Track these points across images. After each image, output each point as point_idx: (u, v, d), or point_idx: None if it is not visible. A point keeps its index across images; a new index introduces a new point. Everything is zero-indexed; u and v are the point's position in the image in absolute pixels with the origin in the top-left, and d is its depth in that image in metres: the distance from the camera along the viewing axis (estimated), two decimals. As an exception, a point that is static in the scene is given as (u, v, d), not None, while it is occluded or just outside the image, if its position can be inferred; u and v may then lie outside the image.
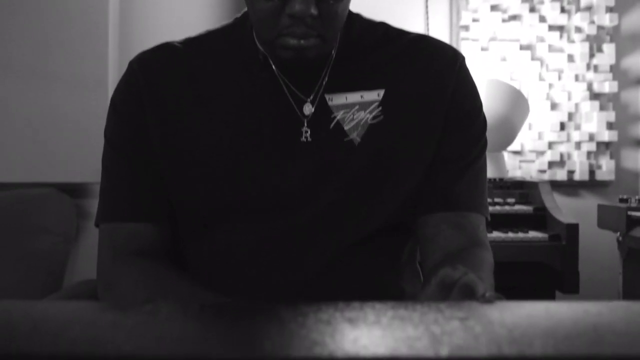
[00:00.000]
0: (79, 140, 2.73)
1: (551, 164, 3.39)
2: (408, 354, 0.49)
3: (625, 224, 2.69)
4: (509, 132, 3.07)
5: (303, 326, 0.56)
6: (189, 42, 1.20)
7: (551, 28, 3.39)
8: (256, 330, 0.58)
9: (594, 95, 3.39)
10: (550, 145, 3.38)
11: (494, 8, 3.39)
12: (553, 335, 0.55)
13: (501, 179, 3.01)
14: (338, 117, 1.14)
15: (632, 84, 3.44)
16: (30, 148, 2.76)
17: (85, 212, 2.80)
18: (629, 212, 2.68)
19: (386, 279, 1.18)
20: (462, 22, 3.37)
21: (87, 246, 2.79)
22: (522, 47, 3.38)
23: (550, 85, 3.38)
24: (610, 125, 3.39)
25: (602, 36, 3.41)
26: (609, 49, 3.39)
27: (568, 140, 3.39)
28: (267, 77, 1.14)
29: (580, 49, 3.38)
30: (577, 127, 3.39)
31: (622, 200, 2.82)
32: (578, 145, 3.39)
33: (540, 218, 2.86)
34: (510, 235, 2.75)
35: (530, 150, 3.38)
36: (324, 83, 1.15)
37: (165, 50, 1.19)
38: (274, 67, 1.14)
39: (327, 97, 1.14)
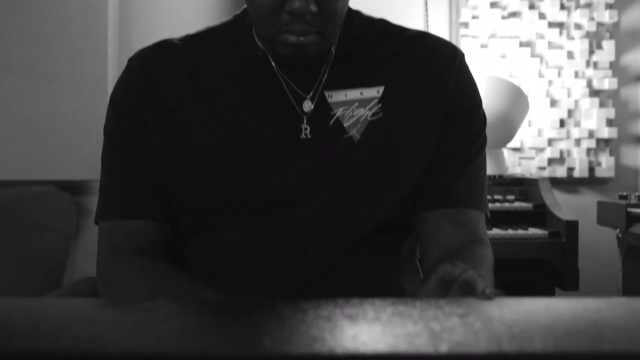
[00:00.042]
0: (79, 138, 2.73)
1: (551, 161, 3.39)
2: (408, 351, 0.49)
3: (624, 221, 2.69)
4: (509, 129, 3.07)
5: (303, 323, 0.56)
6: (189, 39, 1.20)
7: (551, 25, 3.40)
8: (256, 326, 0.58)
9: (594, 92, 3.40)
10: (550, 142, 3.39)
11: (493, 5, 3.39)
12: (553, 332, 0.55)
13: (501, 176, 3.01)
14: (338, 114, 1.14)
15: (631, 80, 3.44)
16: (30, 146, 2.76)
17: (85, 209, 2.80)
18: (629, 209, 2.69)
19: (386, 276, 1.18)
20: (462, 19, 3.37)
21: (87, 244, 2.79)
22: (521, 44, 3.39)
23: (550, 82, 3.38)
24: (609, 122, 3.39)
25: (602, 33, 3.41)
26: (608, 45, 3.39)
27: (568, 137, 3.39)
28: (267, 74, 1.14)
29: (579, 45, 3.38)
30: (577, 124, 3.40)
31: (621, 197, 2.83)
32: (578, 142, 3.39)
33: (540, 215, 2.87)
34: (510, 232, 2.75)
35: (530, 147, 3.38)
36: (323, 80, 1.15)
37: (164, 47, 1.19)
38: (273, 64, 1.14)
39: (326, 94, 1.14)
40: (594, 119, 3.37)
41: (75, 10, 2.77)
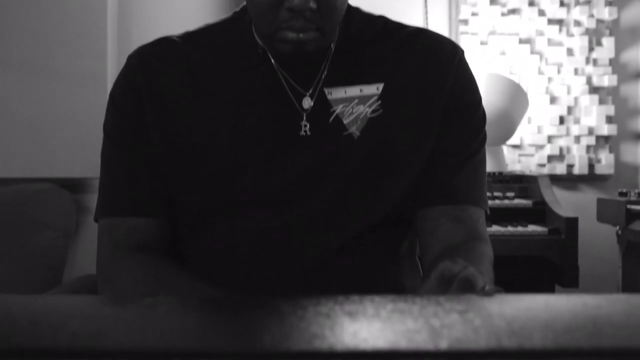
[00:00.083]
0: (79, 135, 2.73)
1: (550, 158, 3.39)
2: (407, 347, 0.49)
3: (624, 218, 2.70)
4: (509, 126, 3.07)
5: (302, 319, 0.56)
6: (188, 36, 1.20)
7: (550, 22, 3.39)
8: (256, 323, 0.58)
9: (593, 89, 3.39)
10: (550, 139, 3.39)
11: (493, 2, 3.39)
12: (552, 328, 0.55)
13: (500, 173, 3.01)
14: (337, 111, 1.14)
15: (631, 77, 3.44)
16: (29, 143, 2.76)
17: (84, 207, 2.80)
18: (629, 206, 2.69)
19: (386, 273, 1.18)
20: (462, 16, 3.37)
21: (86, 241, 2.79)
22: (521, 41, 3.38)
23: (550, 79, 3.38)
24: (609, 119, 3.39)
25: (602, 30, 3.41)
26: (608, 42, 3.39)
27: (567, 134, 3.39)
28: (266, 71, 1.14)
29: (579, 42, 3.38)
30: (577, 121, 3.40)
31: (621, 194, 2.83)
32: (577, 139, 3.39)
33: (540, 212, 2.87)
34: (510, 229, 2.75)
35: (529, 144, 3.38)
36: (323, 77, 1.15)
37: (164, 44, 1.19)
38: (272, 61, 1.14)
39: (326, 91, 1.14)
40: (593, 116, 3.37)
41: (74, 8, 2.77)
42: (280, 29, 1.04)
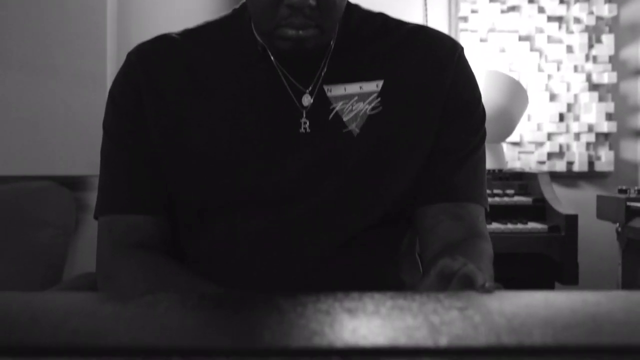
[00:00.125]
0: (78, 133, 2.73)
1: (550, 155, 3.39)
2: (407, 344, 0.49)
3: (624, 215, 2.69)
4: (508, 123, 3.07)
5: (302, 316, 0.56)
6: (187, 34, 1.20)
7: (550, 19, 3.39)
8: (255, 320, 0.58)
9: (593, 86, 3.39)
10: (550, 136, 3.38)
11: (492, -1, 3.39)
12: (552, 325, 0.56)
13: (500, 170, 3.01)
14: (337, 108, 1.14)
15: (631, 74, 3.44)
16: (29, 142, 2.76)
17: (84, 205, 2.81)
18: (628, 203, 2.69)
19: (385, 270, 1.18)
20: (461, 13, 3.37)
21: (86, 239, 2.79)
22: (521, 38, 3.38)
23: (549, 76, 3.38)
24: (609, 116, 3.39)
25: (601, 27, 3.41)
26: (607, 39, 3.39)
27: (567, 131, 3.39)
28: (266, 68, 1.14)
29: (579, 39, 3.37)
30: (576, 118, 3.39)
31: (621, 191, 2.83)
32: (577, 136, 3.39)
33: (540, 209, 2.87)
34: (510, 226, 2.75)
35: (529, 142, 3.38)
36: (322, 74, 1.14)
37: (163, 41, 1.19)
38: (272, 58, 1.14)
39: (325, 88, 1.14)
40: (593, 113, 3.37)
41: (74, 6, 2.77)
42: (280, 26, 1.04)
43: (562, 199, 2.98)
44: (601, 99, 3.39)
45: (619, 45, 3.42)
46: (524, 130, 3.35)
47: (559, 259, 2.71)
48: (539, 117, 3.36)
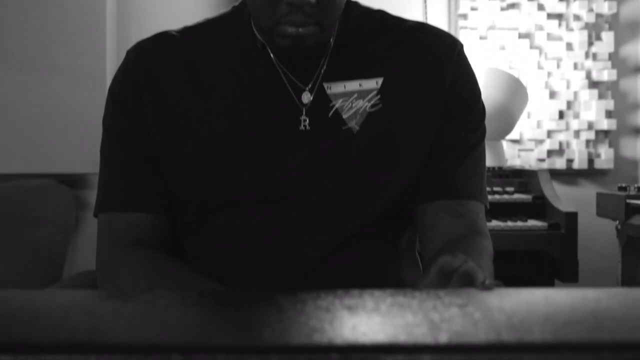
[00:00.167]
0: (78, 131, 2.73)
1: (550, 153, 3.39)
2: (407, 341, 0.49)
3: (624, 212, 2.70)
4: (508, 120, 3.07)
5: (302, 313, 0.56)
6: (187, 31, 1.20)
7: (550, 16, 3.39)
8: (255, 317, 0.58)
9: (593, 84, 3.39)
10: (549, 133, 3.38)
11: (492, -4, 3.38)
12: (552, 322, 0.56)
13: (500, 168, 3.01)
14: (337, 106, 1.14)
15: (630, 72, 3.44)
16: (29, 139, 2.76)
17: (84, 202, 2.81)
18: (628, 201, 2.69)
19: (385, 267, 1.18)
20: (461, 11, 3.36)
21: (86, 237, 2.79)
22: (520, 36, 3.38)
23: (549, 74, 3.38)
24: (609, 114, 3.39)
25: (601, 24, 3.41)
26: (607, 37, 3.39)
27: (567, 128, 3.39)
28: (265, 66, 1.14)
29: (579, 37, 3.37)
30: (576, 116, 3.39)
31: (621, 189, 2.83)
32: (577, 133, 3.39)
33: (539, 207, 2.87)
34: (509, 224, 2.75)
35: (529, 139, 3.38)
36: (322, 71, 1.14)
37: (163, 39, 1.19)
38: (272, 55, 1.14)
39: (325, 85, 1.14)
40: (593, 111, 3.37)
41: (74, 4, 2.76)
42: (280, 24, 1.04)
43: (562, 197, 2.99)
44: (601, 96, 3.39)
45: (618, 42, 3.42)
46: (523, 127, 3.35)
47: (559, 256, 2.71)
48: (539, 114, 3.36)
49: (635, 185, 2.79)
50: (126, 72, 1.17)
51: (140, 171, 1.16)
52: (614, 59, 3.40)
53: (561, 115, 3.38)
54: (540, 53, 3.38)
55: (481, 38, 3.36)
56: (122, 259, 1.13)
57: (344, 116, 1.13)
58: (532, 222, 2.77)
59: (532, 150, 3.38)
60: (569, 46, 3.39)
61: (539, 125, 3.37)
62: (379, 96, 1.14)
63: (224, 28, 1.19)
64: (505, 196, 2.89)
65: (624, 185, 2.84)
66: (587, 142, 3.39)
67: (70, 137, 2.75)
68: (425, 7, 3.33)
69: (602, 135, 3.40)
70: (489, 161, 2.94)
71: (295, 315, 0.56)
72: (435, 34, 1.20)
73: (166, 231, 1.18)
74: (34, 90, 2.75)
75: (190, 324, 0.56)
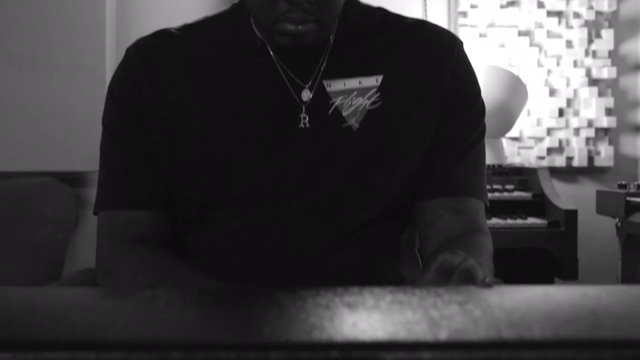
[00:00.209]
0: (78, 129, 2.73)
1: (550, 150, 3.39)
2: (407, 338, 0.49)
3: (624, 210, 2.70)
4: (508, 118, 3.07)
5: (302, 311, 0.56)
6: (187, 29, 1.20)
7: (550, 14, 3.39)
8: (255, 315, 0.58)
9: (593, 81, 3.39)
10: (549, 131, 3.38)
11: (492, -6, 3.38)
12: (552, 319, 0.55)
13: (500, 166, 3.01)
14: (336, 103, 1.14)
15: (630, 69, 3.43)
16: (29, 137, 2.76)
17: (84, 200, 2.81)
18: (628, 198, 2.69)
19: (385, 265, 1.18)
20: (460, 9, 3.36)
21: (86, 235, 2.79)
22: (520, 33, 3.38)
23: (549, 71, 3.38)
24: (609, 111, 3.39)
25: (601, 22, 3.40)
26: (607, 34, 3.39)
27: (567, 126, 3.39)
28: (265, 63, 1.14)
29: (578, 34, 3.37)
30: (576, 113, 3.39)
31: (620, 186, 2.83)
32: (577, 131, 3.39)
33: (539, 204, 2.87)
34: (509, 221, 2.75)
35: (529, 137, 3.38)
36: (322, 69, 1.14)
37: (162, 36, 1.19)
38: (271, 53, 1.14)
39: (325, 83, 1.14)
40: (592, 108, 3.37)
41: (73, 2, 2.76)
42: (279, 21, 1.04)
43: (562, 194, 2.99)
44: (601, 94, 3.38)
45: (618, 40, 3.42)
46: (523, 125, 3.35)
47: (559, 254, 2.71)
48: (539, 112, 3.36)
49: (635, 183, 2.79)
50: (126, 70, 1.17)
51: (140, 169, 1.16)
52: (614, 56, 3.40)
53: (561, 112, 3.38)
54: (540, 50, 3.38)
55: (481, 36, 3.36)
56: (122, 257, 1.13)
57: (344, 114, 1.13)
58: (532, 220, 2.77)
59: (531, 148, 3.38)
60: (569, 44, 3.38)
61: (538, 122, 3.37)
62: (378, 94, 1.14)
63: (224, 26, 1.19)
64: (505, 194, 2.89)
65: (623, 182, 2.84)
66: (587, 139, 3.39)
67: (70, 135, 2.75)
68: (425, 4, 3.33)
69: (602, 132, 3.40)
70: (489, 159, 2.94)
71: (295, 313, 0.56)
72: (435, 32, 1.20)
73: (166, 229, 1.18)
74: (33, 89, 2.75)
75: (190, 322, 0.56)
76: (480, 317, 0.54)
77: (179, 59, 1.16)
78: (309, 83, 1.14)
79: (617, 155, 3.42)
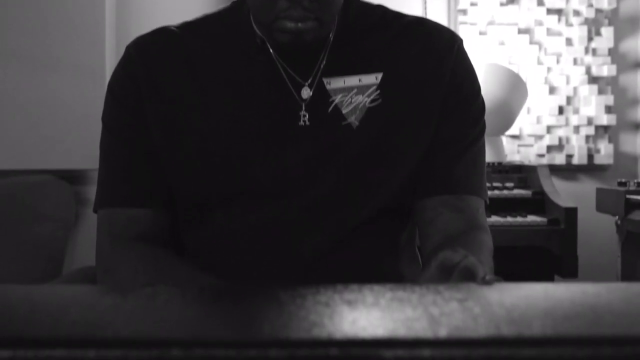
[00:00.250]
0: (77, 127, 2.73)
1: (550, 148, 3.39)
2: (406, 335, 0.49)
3: (623, 208, 2.69)
4: (508, 116, 3.07)
5: (302, 308, 0.56)
6: (186, 26, 1.19)
7: (549, 11, 3.39)
8: (255, 312, 0.58)
9: (593, 79, 3.39)
10: (549, 129, 3.38)
11: (492, -8, 3.38)
12: (552, 316, 0.56)
13: (500, 163, 3.01)
14: (336, 101, 1.14)
15: (630, 67, 3.43)
16: (28, 135, 2.76)
17: (84, 198, 2.80)
18: (628, 196, 2.69)
19: (385, 263, 1.18)
20: (460, 6, 3.36)
21: (86, 233, 2.79)
22: (520, 31, 3.38)
23: (549, 69, 3.38)
24: (608, 109, 3.39)
25: (601, 19, 3.40)
26: (607, 32, 3.39)
27: (567, 124, 3.39)
28: (265, 61, 1.14)
29: (578, 32, 3.37)
30: (576, 111, 3.39)
31: (620, 184, 2.83)
32: (577, 129, 3.39)
33: (539, 202, 2.87)
34: (509, 219, 2.75)
35: (528, 135, 3.38)
36: (321, 67, 1.14)
37: (162, 34, 1.18)
38: (271, 50, 1.14)
39: (325, 80, 1.14)
40: (592, 106, 3.37)
41: (73, 0, 2.76)
42: (279, 19, 1.04)
43: (562, 192, 2.98)
44: (601, 91, 3.38)
45: (618, 37, 3.41)
46: (523, 123, 3.35)
47: (559, 251, 2.71)
48: (539, 110, 3.36)
49: (635, 181, 2.79)
50: (125, 67, 1.17)
51: (140, 166, 1.15)
52: (614, 54, 3.40)
53: (561, 110, 3.38)
54: (540, 48, 3.38)
55: (481, 33, 3.36)
56: (121, 254, 1.13)
57: (344, 111, 1.13)
58: (531, 218, 2.77)
59: (531, 145, 3.38)
60: (569, 41, 3.38)
61: (538, 120, 3.37)
62: (378, 91, 1.14)
63: (223, 23, 1.19)
64: (505, 192, 2.89)
65: (623, 180, 2.84)
66: (587, 137, 3.39)
67: (70, 133, 2.74)
68: (425, 2, 3.33)
69: (602, 130, 3.40)
70: (489, 157, 2.94)
71: (295, 310, 0.56)
72: (435, 29, 1.19)
73: (166, 227, 1.18)
74: (33, 87, 2.75)
75: (190, 319, 0.56)
76: (480, 314, 0.54)
77: (179, 57, 1.16)
78: (309, 81, 1.14)
79: (617, 153, 3.42)
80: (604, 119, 3.37)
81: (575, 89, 3.38)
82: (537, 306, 0.60)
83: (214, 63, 1.15)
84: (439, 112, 1.16)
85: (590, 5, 3.37)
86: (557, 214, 2.74)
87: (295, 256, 1.11)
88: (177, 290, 0.67)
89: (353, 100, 1.13)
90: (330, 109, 1.13)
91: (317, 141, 1.12)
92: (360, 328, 0.51)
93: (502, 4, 3.37)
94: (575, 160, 3.38)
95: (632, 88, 3.44)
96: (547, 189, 2.87)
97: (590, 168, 3.41)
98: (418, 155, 1.15)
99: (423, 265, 1.21)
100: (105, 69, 2.74)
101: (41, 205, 2.60)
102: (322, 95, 1.13)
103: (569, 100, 3.38)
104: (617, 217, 2.80)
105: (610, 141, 3.40)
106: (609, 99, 3.38)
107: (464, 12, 3.37)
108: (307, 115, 1.13)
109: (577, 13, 3.39)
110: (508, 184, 2.94)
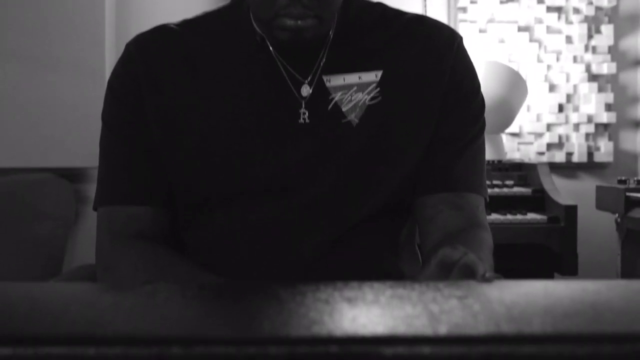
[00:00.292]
0: (77, 125, 2.73)
1: (550, 146, 3.39)
2: (406, 333, 0.49)
3: (623, 206, 2.70)
4: (508, 113, 3.07)
5: (302, 305, 0.56)
6: (186, 24, 1.19)
7: (549, 9, 3.39)
8: (255, 310, 0.58)
9: (593, 77, 3.39)
10: (549, 127, 3.38)
11: (492, -11, 3.38)
12: (551, 314, 0.56)
13: (500, 161, 3.01)
14: (336, 99, 1.14)
15: (630, 65, 3.43)
16: (28, 133, 2.76)
17: (84, 196, 2.80)
18: (628, 194, 2.69)
19: (385, 261, 1.18)
20: (460, 4, 3.36)
21: (86, 231, 2.79)
22: (520, 29, 3.38)
23: (549, 67, 3.38)
24: (608, 107, 3.39)
25: (601, 17, 3.40)
26: (607, 30, 3.39)
27: (566, 122, 3.39)
28: (264, 59, 1.14)
29: (578, 30, 3.37)
30: (576, 109, 3.39)
31: (620, 182, 2.83)
32: (576, 127, 3.39)
33: (539, 200, 2.87)
34: (509, 217, 2.75)
35: (528, 132, 3.38)
36: (321, 64, 1.14)
37: (162, 32, 1.18)
38: (271, 48, 1.14)
39: (324, 78, 1.14)
40: (592, 104, 3.37)
41: (72, -2, 2.76)
42: (279, 16, 1.04)
43: (562, 190, 2.99)
44: (600, 89, 3.38)
45: (618, 35, 3.41)
46: (523, 121, 3.35)
47: (559, 249, 2.71)
48: (539, 107, 3.36)
49: (635, 179, 2.79)
50: (125, 65, 1.17)
51: (140, 164, 1.15)
52: (614, 52, 3.40)
53: (561, 108, 3.38)
54: (540, 46, 3.38)
55: (480, 31, 3.36)
56: (121, 252, 1.13)
57: (344, 109, 1.13)
58: (531, 216, 2.78)
59: (531, 143, 3.38)
60: (569, 39, 3.38)
61: (538, 118, 3.37)
62: (378, 89, 1.14)
63: (223, 21, 1.19)
64: (505, 189, 2.89)
65: (623, 178, 2.84)
66: (587, 135, 3.39)
67: (70, 132, 2.74)
68: (425, 0, 3.33)
69: (602, 128, 3.40)
70: (489, 154, 2.94)
71: (295, 307, 0.56)
72: (435, 27, 1.19)
73: (166, 224, 1.18)
74: (33, 85, 2.75)
75: (189, 317, 0.56)
76: (480, 312, 0.54)
77: (179, 55, 1.16)
78: (309, 78, 1.14)
79: (617, 151, 3.42)
80: (604, 117, 3.37)
81: (575, 86, 3.38)
82: (537, 304, 0.60)
83: (213, 61, 1.15)
84: (439, 110, 1.16)
85: (590, 3, 3.37)
86: (557, 211, 2.74)
87: (295, 253, 1.11)
88: (177, 287, 0.67)
89: (353, 98, 1.13)
90: (330, 106, 1.13)
91: (317, 139, 1.12)
92: (360, 325, 0.51)
93: (502, 2, 3.37)
94: (575, 158, 3.38)
95: (632, 86, 3.44)
96: (547, 186, 2.87)
97: (590, 166, 3.41)
98: (418, 153, 1.15)
99: (423, 262, 1.21)
100: (105, 68, 2.74)
101: (41, 203, 2.60)
102: (322, 92, 1.13)
103: (568, 98, 3.38)
104: (617, 214, 2.80)
105: (610, 139, 3.40)
106: (609, 97, 3.38)
107: (464, 9, 3.37)
108: (307, 113, 1.13)
109: (577, 11, 3.39)
110: (508, 182, 2.94)
